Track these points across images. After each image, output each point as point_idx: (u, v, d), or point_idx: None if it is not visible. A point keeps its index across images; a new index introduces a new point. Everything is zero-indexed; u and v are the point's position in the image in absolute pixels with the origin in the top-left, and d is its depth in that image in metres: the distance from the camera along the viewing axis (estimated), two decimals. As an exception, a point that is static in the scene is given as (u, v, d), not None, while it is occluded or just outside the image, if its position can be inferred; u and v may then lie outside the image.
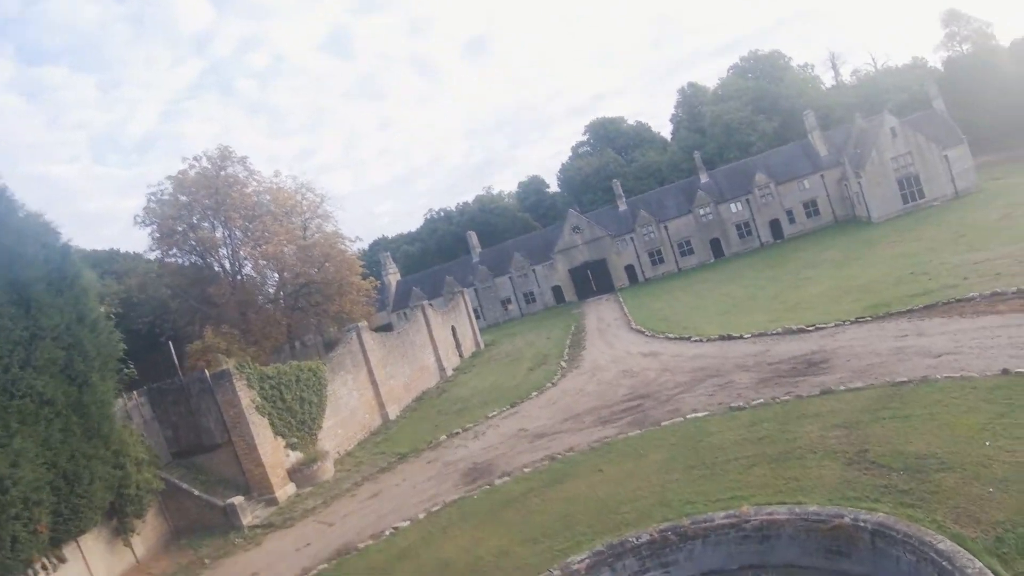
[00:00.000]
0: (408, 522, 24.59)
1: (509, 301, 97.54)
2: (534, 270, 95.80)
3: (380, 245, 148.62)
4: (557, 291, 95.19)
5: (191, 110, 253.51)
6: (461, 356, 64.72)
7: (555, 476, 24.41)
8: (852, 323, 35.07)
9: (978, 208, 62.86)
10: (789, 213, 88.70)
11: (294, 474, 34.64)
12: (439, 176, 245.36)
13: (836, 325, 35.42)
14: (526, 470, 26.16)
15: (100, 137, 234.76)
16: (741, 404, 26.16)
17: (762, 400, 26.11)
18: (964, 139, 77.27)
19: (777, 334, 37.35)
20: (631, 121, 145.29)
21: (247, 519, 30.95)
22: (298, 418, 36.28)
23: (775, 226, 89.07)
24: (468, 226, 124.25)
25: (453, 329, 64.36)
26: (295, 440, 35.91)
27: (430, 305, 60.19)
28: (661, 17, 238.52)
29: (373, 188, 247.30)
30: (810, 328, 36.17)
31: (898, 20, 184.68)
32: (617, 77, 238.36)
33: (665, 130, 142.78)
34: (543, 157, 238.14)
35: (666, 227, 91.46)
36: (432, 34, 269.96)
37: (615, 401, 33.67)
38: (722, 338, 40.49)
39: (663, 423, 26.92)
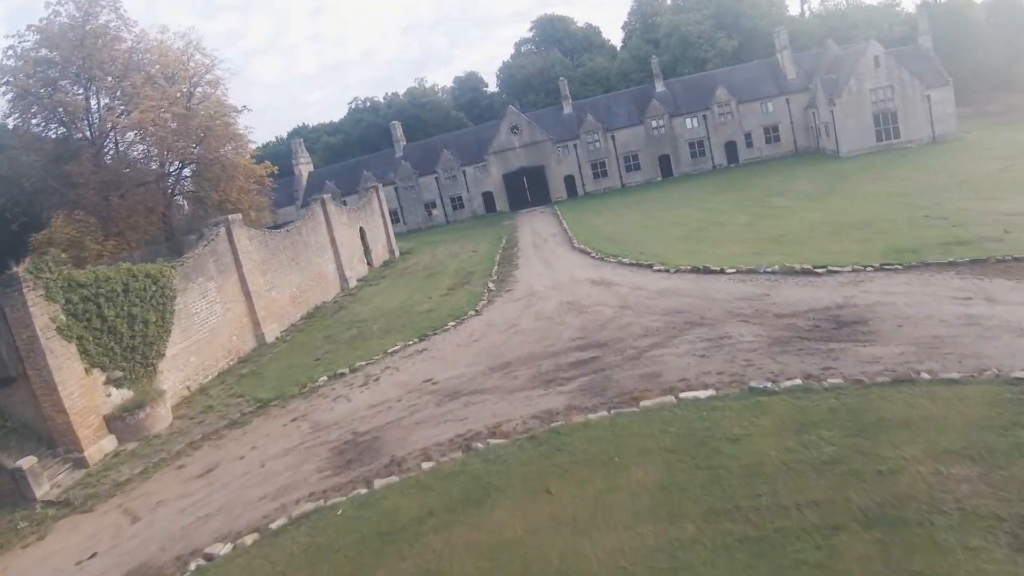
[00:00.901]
0: (229, 546, 14.86)
1: (434, 205, 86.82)
2: (464, 172, 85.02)
3: (299, 134, 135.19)
4: (488, 198, 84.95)
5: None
6: (370, 264, 54.50)
7: (471, 488, 14.79)
8: (877, 270, 26.32)
9: (962, 156, 55.66)
10: (748, 136, 79.89)
11: (115, 422, 24.28)
12: (372, 69, 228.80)
13: (855, 270, 26.58)
14: (426, 465, 16.54)
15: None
16: (766, 384, 16.91)
17: (797, 380, 16.90)
18: (950, 81, 69.04)
19: (773, 273, 28.30)
20: (580, 23, 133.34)
21: (42, 489, 20.87)
22: (126, 343, 25.72)
23: (731, 148, 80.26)
24: (396, 119, 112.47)
25: (362, 232, 53.93)
26: (120, 374, 25.46)
27: (342, 202, 49.61)
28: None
29: (303, 77, 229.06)
30: (819, 270, 27.24)
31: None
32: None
33: (616, 38, 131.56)
34: (484, 59, 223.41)
35: (613, 137, 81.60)
36: None
37: (561, 347, 24.22)
38: (696, 271, 31.28)
39: (642, 402, 17.56)
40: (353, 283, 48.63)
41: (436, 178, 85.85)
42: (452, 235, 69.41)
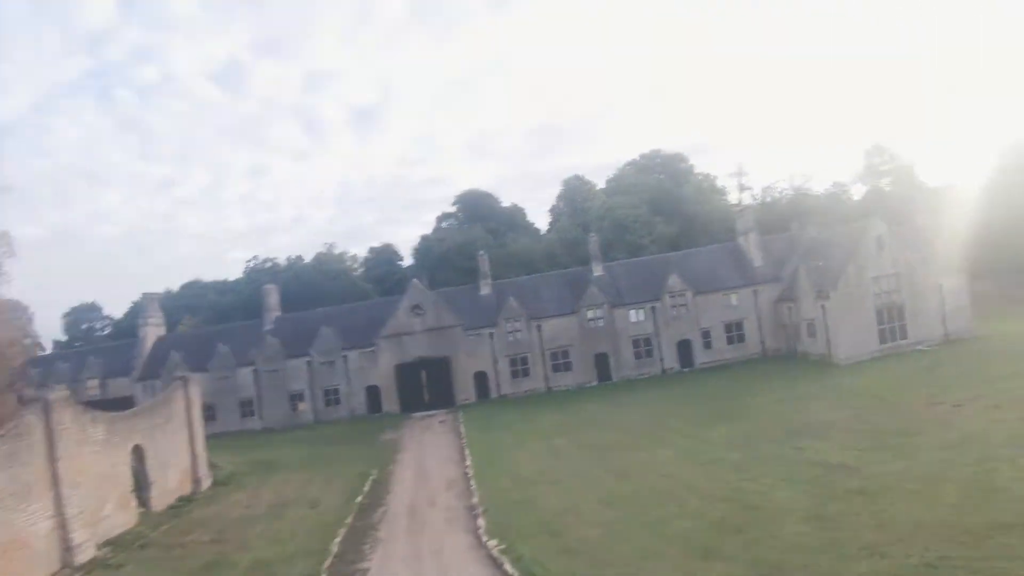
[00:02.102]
0: None
1: (301, 398, 65.77)
2: (346, 357, 64.56)
3: (191, 289, 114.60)
4: (373, 394, 64.13)
5: (65, 108, 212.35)
6: (146, 507, 33.10)
7: None
8: None
9: (990, 362, 40.87)
10: (706, 334, 62.80)
11: None
12: (299, 237, 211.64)
13: None
14: None
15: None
16: None
17: None
18: (965, 266, 54.46)
19: None
20: (506, 203, 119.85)
21: None
22: None
23: (684, 349, 62.78)
24: (296, 286, 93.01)
25: (139, 453, 33.04)
26: None
27: (89, 407, 28.71)
28: (546, 128, 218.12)
29: (231, 234, 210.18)
30: None
31: (815, 150, 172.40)
32: (497, 169, 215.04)
33: (542, 222, 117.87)
34: (411, 239, 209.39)
35: (540, 327, 63.32)
36: (325, 93, 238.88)
37: None
38: None
39: None
40: (89, 552, 27.15)
41: (309, 362, 65.14)
42: (308, 449, 47.97)
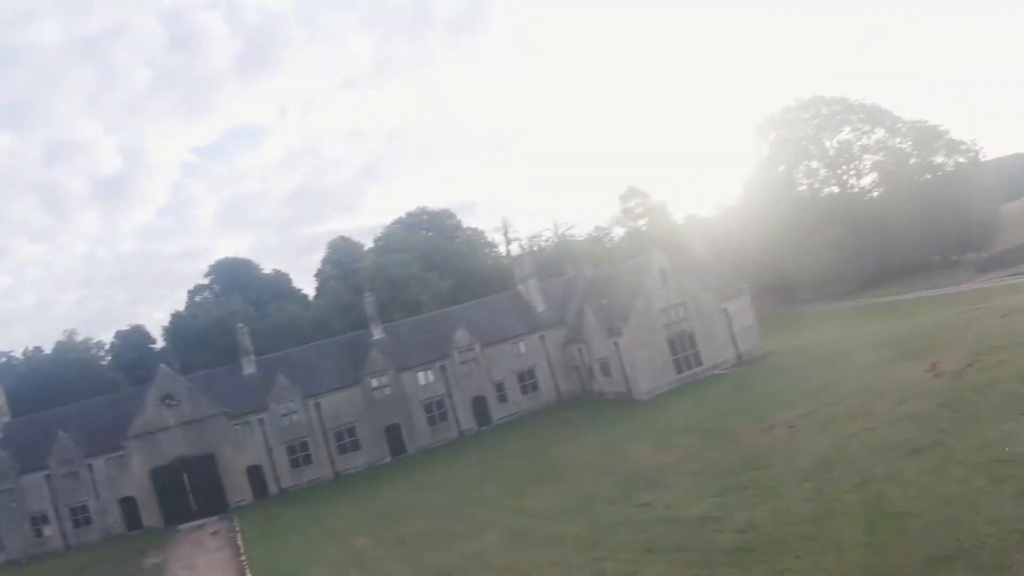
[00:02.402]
0: None
1: (45, 520, 53.18)
2: (90, 465, 52.78)
3: None
4: (130, 507, 52.73)
5: None
6: None
7: None
8: None
9: (794, 376, 40.48)
10: (500, 387, 58.85)
11: None
12: (42, 325, 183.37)
13: None
14: None
15: None
16: None
17: None
18: (745, 288, 54.92)
19: None
20: (268, 270, 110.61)
21: None
22: None
23: (480, 406, 58.26)
24: (32, 383, 77.76)
25: None
26: None
27: None
28: (305, 192, 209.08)
29: None
30: None
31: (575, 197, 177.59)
32: (257, 238, 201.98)
33: (309, 287, 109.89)
34: (165, 318, 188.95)
35: (318, 405, 55.79)
36: (68, 165, 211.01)
37: None
38: None
39: None
40: None
41: (48, 475, 52.92)
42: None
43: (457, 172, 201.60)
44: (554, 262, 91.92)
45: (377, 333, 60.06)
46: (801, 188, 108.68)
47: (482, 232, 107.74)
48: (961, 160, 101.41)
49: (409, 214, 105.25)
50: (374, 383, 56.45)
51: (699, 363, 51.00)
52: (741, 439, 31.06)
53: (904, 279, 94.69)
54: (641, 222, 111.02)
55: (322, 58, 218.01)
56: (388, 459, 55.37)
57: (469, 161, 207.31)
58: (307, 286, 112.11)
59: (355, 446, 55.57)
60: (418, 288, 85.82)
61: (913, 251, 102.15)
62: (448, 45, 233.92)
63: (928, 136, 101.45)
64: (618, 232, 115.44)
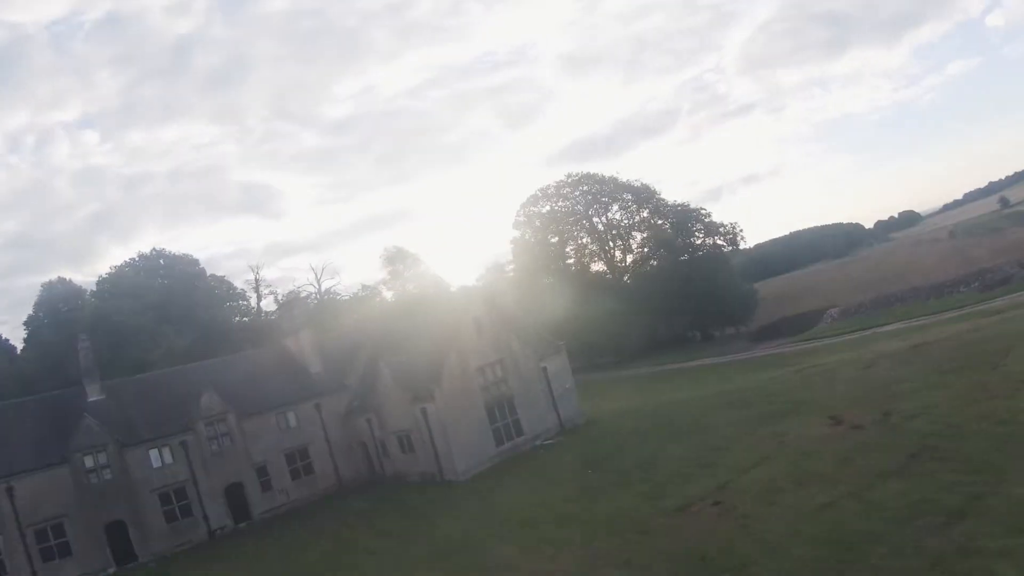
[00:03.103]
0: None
1: None
2: None
3: None
4: None
5: None
6: None
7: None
8: None
9: (644, 447, 34.15)
10: (263, 471, 45.64)
11: None
12: None
13: None
14: None
15: None
16: None
17: None
18: (562, 345, 47.67)
19: None
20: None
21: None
22: None
23: (236, 496, 44.55)
24: None
25: None
26: None
27: None
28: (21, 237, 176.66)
29: None
30: None
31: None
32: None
33: (17, 338, 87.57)
34: None
35: (11, 491, 38.56)
36: None
37: None
38: None
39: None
40: None
41: None
42: None
43: (207, 226, 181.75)
44: (317, 322, 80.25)
45: (94, 393, 44.33)
46: (570, 261, 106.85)
47: (230, 282, 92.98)
48: (720, 242, 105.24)
49: (143, 256, 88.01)
50: (88, 463, 40.73)
51: (520, 433, 42.26)
52: (652, 527, 22.48)
53: (677, 349, 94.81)
54: (410, 286, 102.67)
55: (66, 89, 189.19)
56: (111, 569, 39.69)
57: (221, 215, 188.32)
58: (17, 336, 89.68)
59: (64, 550, 38.71)
60: (149, 343, 70.08)
61: (679, 324, 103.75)
62: (204, 96, 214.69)
63: (689, 218, 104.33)
64: (386, 295, 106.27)
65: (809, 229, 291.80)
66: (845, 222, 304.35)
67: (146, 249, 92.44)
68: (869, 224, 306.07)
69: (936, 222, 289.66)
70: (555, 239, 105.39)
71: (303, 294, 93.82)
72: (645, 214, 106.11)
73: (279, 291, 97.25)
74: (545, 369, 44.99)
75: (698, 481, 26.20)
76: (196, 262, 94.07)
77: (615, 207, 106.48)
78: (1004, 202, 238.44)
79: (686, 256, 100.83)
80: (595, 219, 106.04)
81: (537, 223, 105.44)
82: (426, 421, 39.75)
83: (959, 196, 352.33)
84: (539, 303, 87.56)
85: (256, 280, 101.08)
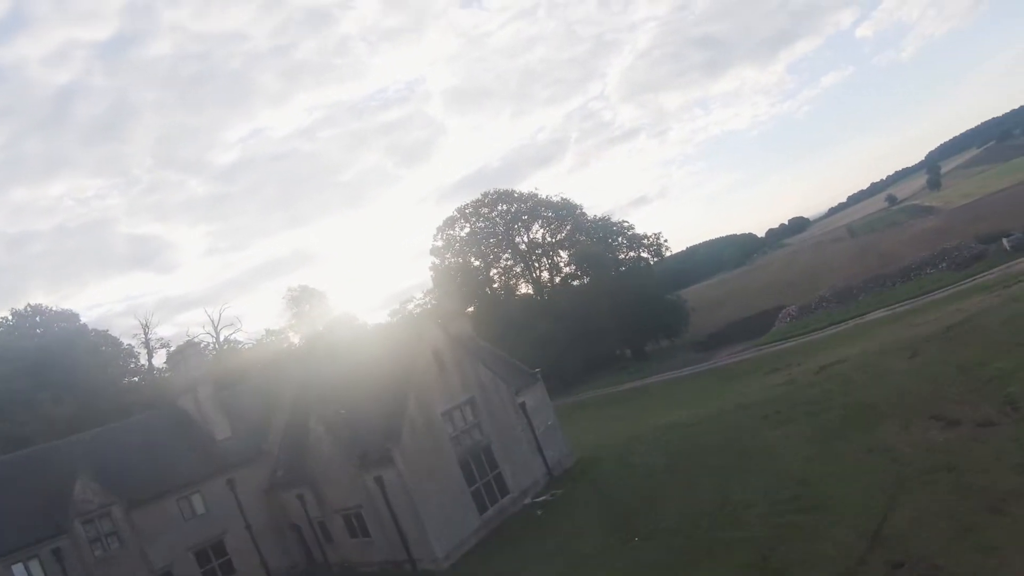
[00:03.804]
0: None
1: None
2: None
3: None
4: None
5: None
6: None
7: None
8: None
9: (684, 492, 25.70)
10: (165, 576, 34.10)
11: None
12: None
13: None
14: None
15: None
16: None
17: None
18: (537, 373, 38.05)
19: None
20: None
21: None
22: None
23: (130, 614, 32.88)
24: None
25: None
26: None
27: None
28: None
29: None
30: None
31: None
32: None
33: None
34: None
35: None
36: None
37: None
38: None
39: None
40: None
41: None
42: None
43: (96, 284, 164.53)
44: (219, 375, 68.40)
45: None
46: (495, 284, 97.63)
47: (116, 339, 79.52)
48: (644, 254, 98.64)
49: (16, 314, 73.76)
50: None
51: (505, 491, 32.22)
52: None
53: (616, 369, 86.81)
54: (320, 326, 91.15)
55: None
56: None
57: (110, 272, 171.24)
58: None
59: None
60: (24, 414, 56.92)
61: (611, 342, 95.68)
62: (87, 147, 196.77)
63: (611, 232, 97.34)
64: (293, 338, 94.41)
65: (705, 243, 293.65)
66: (739, 233, 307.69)
67: (20, 306, 78.01)
68: (761, 233, 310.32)
69: (826, 224, 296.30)
70: (478, 262, 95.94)
71: (201, 343, 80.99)
72: (568, 230, 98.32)
73: (172, 345, 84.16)
74: (523, 405, 35.20)
75: (826, 536, 17.18)
76: (76, 317, 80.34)
77: (536, 225, 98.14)
78: (892, 199, 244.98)
79: (614, 272, 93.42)
80: (517, 239, 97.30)
81: (457, 246, 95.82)
82: (384, 494, 29.14)
83: (843, 199, 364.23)
84: (466, 332, 77.90)
85: (146, 334, 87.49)
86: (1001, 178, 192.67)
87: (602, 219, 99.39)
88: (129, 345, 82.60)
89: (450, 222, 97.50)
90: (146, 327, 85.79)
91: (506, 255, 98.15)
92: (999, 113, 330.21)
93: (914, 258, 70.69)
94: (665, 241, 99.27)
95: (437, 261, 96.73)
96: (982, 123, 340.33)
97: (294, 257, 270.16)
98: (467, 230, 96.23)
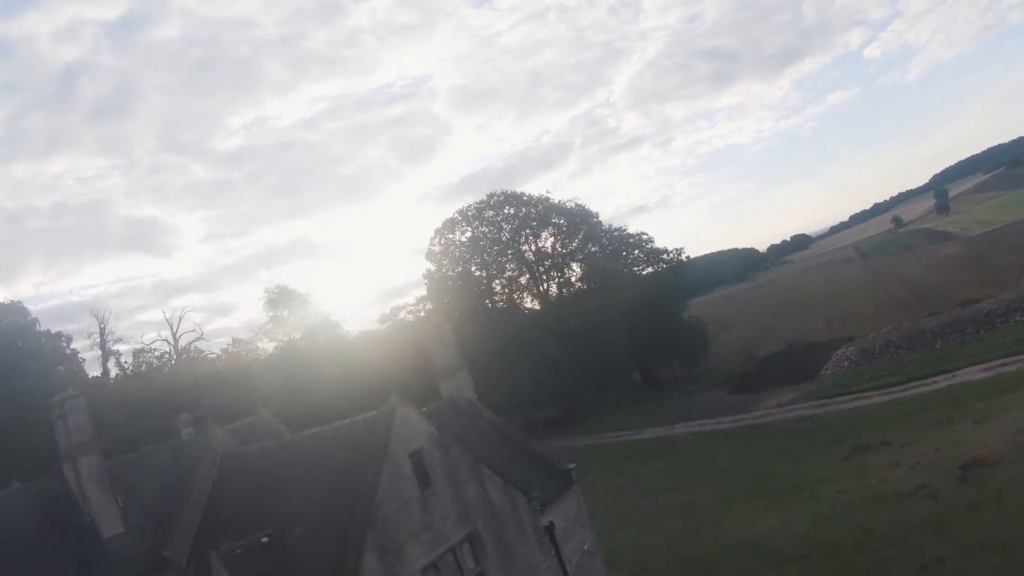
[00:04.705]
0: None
1: None
2: None
3: None
4: None
5: None
6: None
7: None
8: None
9: None
10: None
11: None
12: None
13: None
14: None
15: None
16: None
17: None
18: (572, 470, 24.83)
19: None
20: None
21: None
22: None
23: None
24: None
25: None
26: None
27: None
28: None
29: None
30: None
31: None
32: None
33: None
34: None
35: None
36: None
37: None
38: None
39: None
40: None
41: None
42: None
43: (93, 264, 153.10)
44: (168, 395, 55.87)
45: None
46: (498, 299, 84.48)
47: (67, 338, 66.97)
48: (662, 268, 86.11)
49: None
50: None
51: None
52: None
53: (625, 400, 74.20)
54: (297, 334, 78.31)
55: None
56: None
57: (107, 252, 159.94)
58: None
59: None
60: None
61: (626, 366, 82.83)
62: (91, 126, 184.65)
63: (626, 245, 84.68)
64: (266, 346, 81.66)
65: (706, 255, 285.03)
66: (740, 247, 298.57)
67: (17, 283, 65.12)
68: (761, 248, 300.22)
69: (828, 243, 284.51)
70: (480, 272, 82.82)
71: (156, 352, 67.83)
72: (579, 239, 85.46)
73: (124, 350, 71.21)
74: (551, 527, 22.09)
75: None
76: (26, 312, 67.57)
77: (546, 233, 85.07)
78: (898, 221, 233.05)
79: (630, 290, 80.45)
80: (524, 247, 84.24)
81: (456, 253, 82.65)
82: None
83: (846, 218, 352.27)
84: (464, 353, 65.29)
85: (103, 335, 74.28)
86: (1015, 205, 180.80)
87: (618, 229, 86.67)
88: (74, 350, 69.57)
89: (450, 225, 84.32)
90: (103, 326, 72.85)
91: (511, 265, 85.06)
92: (1006, 139, 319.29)
93: (989, 303, 57.72)
94: (687, 257, 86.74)
95: (433, 268, 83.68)
96: (988, 148, 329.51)
97: (292, 248, 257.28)
98: (468, 235, 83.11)
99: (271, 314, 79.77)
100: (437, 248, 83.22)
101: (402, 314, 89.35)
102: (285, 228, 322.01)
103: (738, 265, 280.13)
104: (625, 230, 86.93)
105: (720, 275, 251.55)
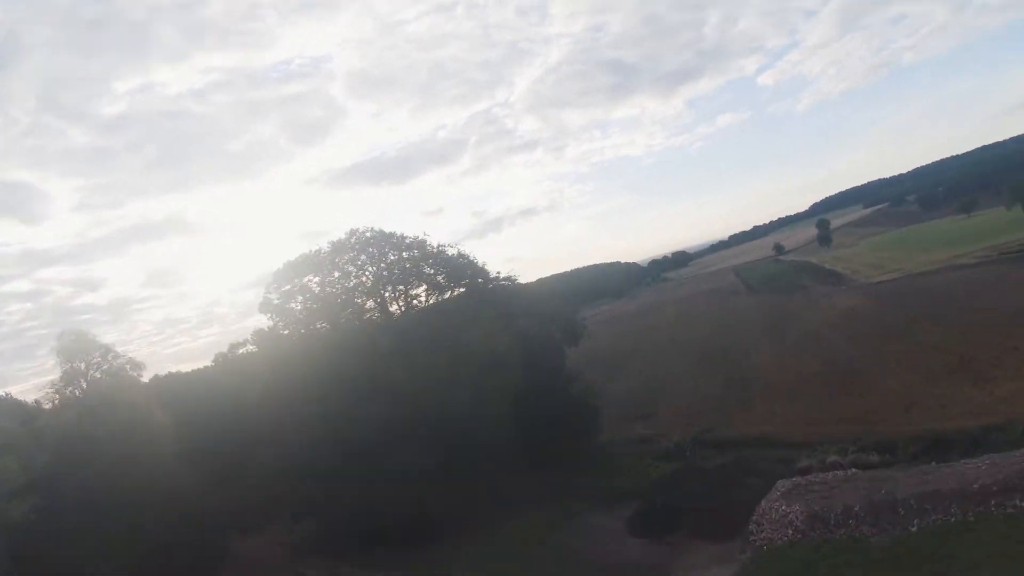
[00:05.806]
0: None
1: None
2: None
3: None
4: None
5: None
6: None
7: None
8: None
9: None
10: None
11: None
12: None
13: None
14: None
15: None
16: None
17: None
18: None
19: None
20: None
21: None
22: None
23: None
24: None
25: None
26: None
27: None
28: None
29: None
30: None
31: None
32: None
33: None
34: None
35: None
36: None
37: None
38: None
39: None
40: None
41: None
42: None
43: None
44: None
45: None
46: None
47: None
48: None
49: None
50: None
51: None
52: None
53: (500, 514, 55.78)
54: (95, 400, 57.64)
55: None
56: None
57: None
58: None
59: None
60: None
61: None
62: None
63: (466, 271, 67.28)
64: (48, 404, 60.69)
65: (591, 267, 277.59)
66: (623, 261, 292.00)
67: None
68: (641, 260, 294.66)
69: (707, 262, 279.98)
70: (349, 309, 63.68)
71: None
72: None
73: None
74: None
75: None
76: None
77: (420, 290, 66.65)
78: (779, 248, 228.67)
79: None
80: (392, 305, 65.56)
81: (299, 309, 62.88)
82: None
83: (725, 237, 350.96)
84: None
85: None
86: (899, 247, 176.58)
87: (507, 278, 69.44)
88: None
89: (296, 267, 64.24)
90: None
91: (371, 302, 66.00)
92: (887, 175, 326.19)
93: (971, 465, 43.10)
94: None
95: (268, 323, 63.63)
96: (868, 182, 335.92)
97: (168, 223, 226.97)
98: (317, 287, 63.37)
99: (65, 367, 58.68)
100: (276, 298, 63.09)
101: (240, 351, 69.83)
102: (163, 202, 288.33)
103: (622, 278, 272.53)
104: (514, 279, 69.97)
105: (600, 288, 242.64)
